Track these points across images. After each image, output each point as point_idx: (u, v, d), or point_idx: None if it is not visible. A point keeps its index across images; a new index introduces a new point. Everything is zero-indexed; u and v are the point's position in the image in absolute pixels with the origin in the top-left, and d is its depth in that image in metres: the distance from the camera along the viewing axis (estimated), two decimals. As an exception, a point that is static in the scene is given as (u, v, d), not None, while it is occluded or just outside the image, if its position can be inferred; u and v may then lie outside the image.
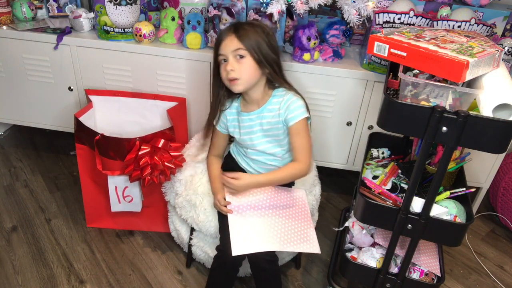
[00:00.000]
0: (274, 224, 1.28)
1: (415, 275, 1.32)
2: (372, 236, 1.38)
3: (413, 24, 1.48)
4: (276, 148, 1.33)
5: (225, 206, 1.30)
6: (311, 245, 1.28)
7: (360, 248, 1.40)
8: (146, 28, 1.67)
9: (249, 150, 1.36)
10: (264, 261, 1.26)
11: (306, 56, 1.60)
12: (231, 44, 1.19)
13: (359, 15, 1.47)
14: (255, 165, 1.38)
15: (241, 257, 1.26)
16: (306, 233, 1.30)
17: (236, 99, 1.36)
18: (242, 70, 1.21)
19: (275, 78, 1.27)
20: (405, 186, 1.27)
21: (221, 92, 1.32)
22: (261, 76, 1.26)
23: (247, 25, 1.23)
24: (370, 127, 1.71)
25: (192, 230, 1.48)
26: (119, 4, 1.64)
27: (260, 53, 1.21)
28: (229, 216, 1.28)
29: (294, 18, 1.64)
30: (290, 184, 1.44)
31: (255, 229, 1.25)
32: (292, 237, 1.27)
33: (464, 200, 1.23)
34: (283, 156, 1.35)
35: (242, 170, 1.41)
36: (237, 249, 1.20)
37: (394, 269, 1.32)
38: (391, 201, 1.21)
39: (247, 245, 1.22)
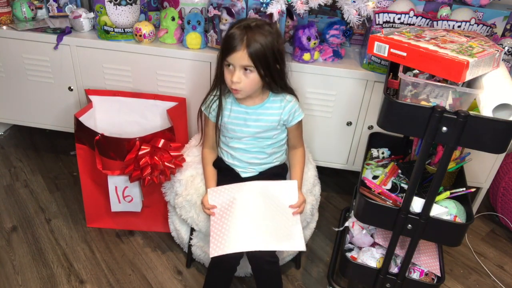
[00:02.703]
0: (257, 223, 1.26)
1: (415, 275, 1.32)
2: (372, 236, 1.38)
3: (413, 24, 1.48)
4: (265, 141, 1.37)
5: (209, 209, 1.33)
6: (296, 243, 1.27)
7: (360, 248, 1.40)
8: (146, 28, 1.67)
9: (234, 140, 1.37)
10: (265, 262, 1.26)
11: (306, 56, 1.60)
12: (241, 60, 1.19)
13: (359, 15, 1.47)
14: (237, 154, 1.39)
15: (238, 257, 1.26)
16: (290, 230, 1.28)
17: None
18: (247, 83, 1.23)
19: (273, 86, 1.30)
20: (405, 186, 1.27)
21: (223, 86, 1.32)
22: (261, 83, 1.28)
23: (259, 34, 1.18)
24: (370, 127, 1.71)
25: (192, 230, 1.48)
26: (119, 4, 1.64)
27: (267, 69, 1.23)
28: (211, 218, 1.30)
29: (294, 18, 1.64)
30: (283, 170, 1.46)
31: (235, 229, 1.25)
32: (275, 235, 1.25)
33: (464, 200, 1.23)
34: (265, 144, 1.38)
35: (230, 168, 1.42)
36: (214, 251, 1.22)
37: (394, 269, 1.32)
38: (391, 201, 1.21)
39: (225, 246, 1.22)
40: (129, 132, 1.69)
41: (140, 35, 1.67)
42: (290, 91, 1.35)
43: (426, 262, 1.35)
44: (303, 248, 1.27)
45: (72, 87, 1.82)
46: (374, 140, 1.52)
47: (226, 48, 1.20)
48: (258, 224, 1.26)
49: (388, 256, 1.26)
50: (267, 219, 1.28)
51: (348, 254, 1.37)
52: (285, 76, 1.32)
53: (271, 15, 1.47)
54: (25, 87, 1.87)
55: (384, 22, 1.50)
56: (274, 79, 1.27)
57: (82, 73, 1.78)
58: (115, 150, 1.43)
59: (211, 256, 1.22)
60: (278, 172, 1.44)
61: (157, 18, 1.81)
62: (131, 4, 1.66)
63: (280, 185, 1.36)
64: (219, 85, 1.32)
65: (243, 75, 1.22)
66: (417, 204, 1.15)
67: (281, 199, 1.33)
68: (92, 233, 1.69)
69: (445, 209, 1.18)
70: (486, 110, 0.99)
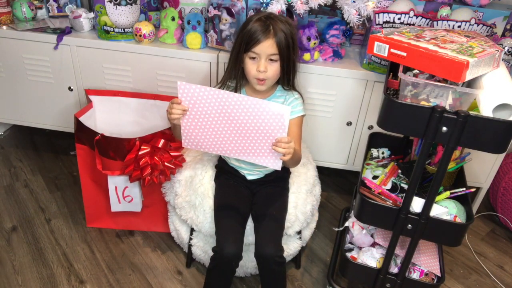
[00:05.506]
0: (235, 133, 1.17)
1: (415, 275, 1.32)
2: (372, 236, 1.38)
3: (413, 24, 1.48)
4: None
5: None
6: (273, 162, 1.19)
7: (360, 248, 1.40)
8: (146, 28, 1.67)
9: None
10: (274, 263, 1.25)
11: (306, 56, 1.60)
12: (269, 48, 1.21)
13: (359, 15, 1.47)
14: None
15: (237, 258, 1.26)
16: (269, 150, 1.17)
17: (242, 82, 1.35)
18: (272, 72, 1.25)
19: (285, 80, 1.32)
20: (405, 186, 1.27)
21: (238, 79, 1.32)
22: (279, 75, 1.29)
23: (281, 22, 1.22)
24: (370, 127, 1.71)
25: (192, 230, 1.48)
26: (119, 4, 1.64)
27: (288, 60, 1.25)
28: (182, 118, 1.20)
29: (294, 18, 1.64)
30: (287, 173, 1.45)
31: (210, 133, 1.19)
32: (252, 149, 1.18)
33: (464, 200, 1.23)
34: None
35: (233, 169, 1.42)
36: (186, 144, 1.24)
37: (394, 269, 1.32)
38: (391, 201, 1.21)
39: (198, 144, 1.21)
40: (129, 132, 1.69)
41: (140, 35, 1.67)
42: (297, 90, 1.36)
43: (426, 262, 1.35)
44: (278, 167, 1.20)
45: (72, 87, 1.82)
46: (374, 140, 1.52)
47: (250, 40, 1.21)
48: (236, 135, 1.18)
49: (388, 256, 1.26)
50: (247, 133, 1.17)
51: (348, 254, 1.37)
52: (296, 69, 1.33)
53: (271, 15, 1.47)
54: (25, 87, 1.87)
55: (384, 22, 1.50)
56: (289, 70, 1.29)
57: (82, 73, 1.78)
58: (115, 150, 1.43)
59: (184, 146, 1.23)
60: (284, 176, 1.44)
61: (157, 18, 1.81)
62: (131, 4, 1.66)
63: (270, 106, 1.10)
64: (236, 78, 1.31)
65: (268, 65, 1.23)
66: (417, 204, 1.15)
67: (267, 122, 1.13)
68: (92, 233, 1.69)
69: (445, 209, 1.18)
70: (486, 110, 0.99)
